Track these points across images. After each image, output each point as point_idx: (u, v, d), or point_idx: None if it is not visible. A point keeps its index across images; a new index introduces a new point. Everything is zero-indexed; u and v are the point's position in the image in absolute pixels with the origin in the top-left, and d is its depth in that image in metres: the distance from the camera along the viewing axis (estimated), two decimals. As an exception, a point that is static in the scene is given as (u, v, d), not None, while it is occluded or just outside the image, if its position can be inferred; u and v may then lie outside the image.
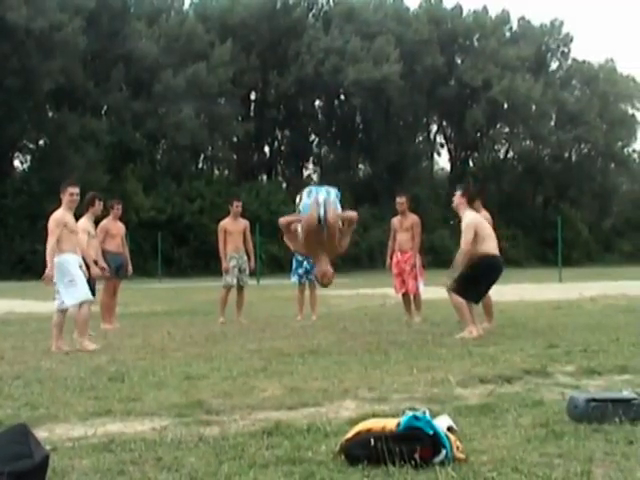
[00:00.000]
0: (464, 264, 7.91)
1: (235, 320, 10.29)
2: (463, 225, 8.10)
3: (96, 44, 41.47)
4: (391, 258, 10.35)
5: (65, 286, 7.57)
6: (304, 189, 7.43)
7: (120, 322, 10.16)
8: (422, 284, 10.19)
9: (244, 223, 10.81)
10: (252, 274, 11.11)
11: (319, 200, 6.88)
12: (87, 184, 24.06)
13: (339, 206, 7.15)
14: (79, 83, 41.17)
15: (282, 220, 7.36)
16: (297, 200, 7.37)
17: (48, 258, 7.54)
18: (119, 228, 10.46)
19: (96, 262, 9.06)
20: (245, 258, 10.72)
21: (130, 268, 10.66)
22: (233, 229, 10.67)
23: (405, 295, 10.22)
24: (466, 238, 7.93)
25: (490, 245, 8.10)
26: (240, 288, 10.67)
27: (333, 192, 7.18)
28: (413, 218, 10.24)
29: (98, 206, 9.42)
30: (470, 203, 8.40)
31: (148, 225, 38.45)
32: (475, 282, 7.92)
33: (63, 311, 7.72)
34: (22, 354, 7.11)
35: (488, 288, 8.28)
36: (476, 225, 8.03)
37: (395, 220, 10.35)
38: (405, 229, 10.21)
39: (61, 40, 38.46)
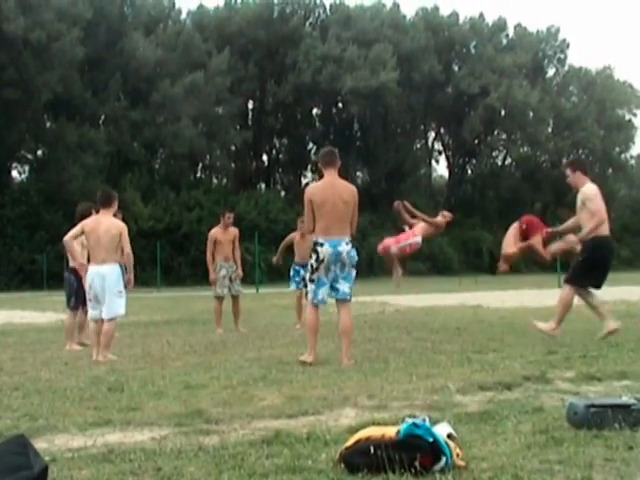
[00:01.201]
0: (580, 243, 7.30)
1: (234, 329, 10.28)
2: (584, 197, 7.34)
3: (94, 54, 41.58)
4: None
5: (114, 295, 7.53)
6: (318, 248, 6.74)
7: (119, 332, 10.07)
8: (395, 247, 9.38)
9: (234, 232, 10.71)
10: (242, 280, 11.01)
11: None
12: (85, 194, 24.01)
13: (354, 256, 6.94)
14: (77, 93, 41.27)
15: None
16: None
17: (128, 263, 7.73)
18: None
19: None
20: (234, 267, 10.67)
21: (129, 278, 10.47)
22: (223, 238, 10.58)
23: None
24: (595, 207, 7.23)
25: (605, 226, 7.45)
26: (234, 298, 10.61)
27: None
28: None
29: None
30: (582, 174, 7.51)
31: (147, 234, 38.48)
32: (592, 268, 7.45)
33: (97, 321, 7.64)
34: (21, 365, 7.08)
35: (606, 272, 7.60)
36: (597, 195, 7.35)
37: None
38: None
39: (59, 50, 38.57)
